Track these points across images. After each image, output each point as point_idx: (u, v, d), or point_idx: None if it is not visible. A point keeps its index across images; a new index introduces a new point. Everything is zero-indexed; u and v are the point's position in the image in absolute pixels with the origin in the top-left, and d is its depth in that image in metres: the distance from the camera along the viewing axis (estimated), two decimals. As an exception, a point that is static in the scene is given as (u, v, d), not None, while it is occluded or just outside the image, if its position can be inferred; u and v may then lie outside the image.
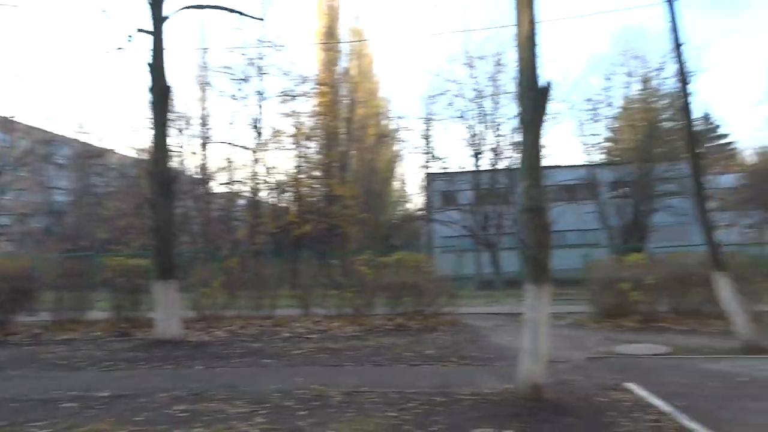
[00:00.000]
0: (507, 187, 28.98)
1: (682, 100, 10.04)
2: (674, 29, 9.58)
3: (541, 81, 5.45)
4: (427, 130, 31.93)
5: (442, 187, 32.96)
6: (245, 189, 28.45)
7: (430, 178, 35.31)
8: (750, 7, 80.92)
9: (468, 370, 8.00)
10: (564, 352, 9.49)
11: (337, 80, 33.23)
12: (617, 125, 32.13)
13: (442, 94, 29.19)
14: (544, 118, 5.54)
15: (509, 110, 28.90)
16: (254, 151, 27.43)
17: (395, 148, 40.21)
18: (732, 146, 51.15)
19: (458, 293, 16.04)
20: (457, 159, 44.90)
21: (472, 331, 12.44)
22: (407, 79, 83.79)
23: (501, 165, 29.42)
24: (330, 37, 33.64)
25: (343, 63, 35.28)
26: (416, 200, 44.20)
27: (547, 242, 5.45)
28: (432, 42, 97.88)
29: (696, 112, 32.53)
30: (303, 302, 13.57)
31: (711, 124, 45.33)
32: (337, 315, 13.22)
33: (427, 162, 34.18)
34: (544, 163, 5.64)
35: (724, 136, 50.54)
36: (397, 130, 36.28)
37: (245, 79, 26.61)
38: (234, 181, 28.36)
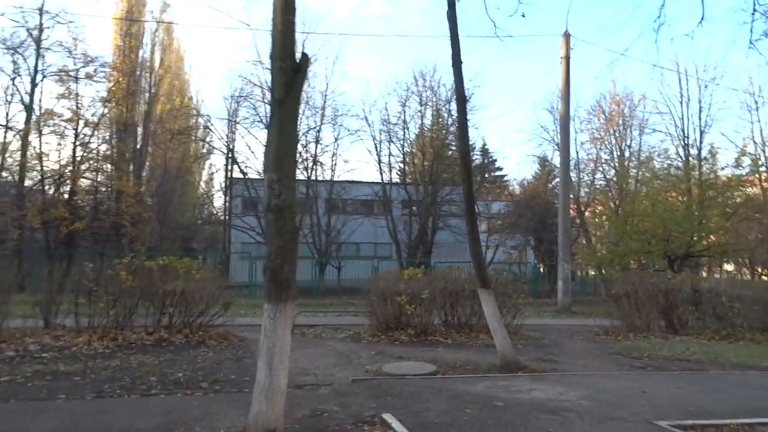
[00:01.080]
0: (306, 195, 27.96)
1: (459, 122, 9.70)
2: (454, 44, 9.16)
3: (298, 55, 4.31)
4: (231, 132, 29.88)
5: (242, 192, 30.98)
6: (8, 176, 23.76)
7: (232, 182, 33.14)
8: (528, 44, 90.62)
9: (212, 401, 6.47)
10: (331, 372, 8.45)
11: (136, 70, 29.72)
12: (411, 149, 33.00)
13: (243, 96, 27.39)
14: (298, 98, 4.39)
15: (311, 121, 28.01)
16: (23, 134, 23.04)
17: (198, 148, 37.18)
18: (504, 177, 56.29)
19: (236, 302, 14.47)
20: (259, 164, 42.49)
21: (243, 346, 10.92)
22: (219, 78, 79.39)
23: (300, 175, 28.34)
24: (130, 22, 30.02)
25: (146, 54, 31.80)
26: (218, 204, 41.46)
27: (292, 251, 4.24)
28: (242, 40, 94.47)
29: (474, 143, 35.22)
30: (44, 311, 10.90)
31: (488, 156, 49.12)
32: (88, 328, 10.81)
33: (229, 165, 32.01)
34: (292, 155, 4.46)
35: (499, 168, 55.30)
36: (199, 130, 33.49)
37: (17, 50, 22.29)
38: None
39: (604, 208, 23.27)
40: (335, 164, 30.32)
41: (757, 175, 23.87)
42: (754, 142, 26.48)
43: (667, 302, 14.15)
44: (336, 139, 29.95)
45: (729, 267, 32.66)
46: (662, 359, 10.64)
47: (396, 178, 32.44)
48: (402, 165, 32.26)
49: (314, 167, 29.01)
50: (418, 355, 10.21)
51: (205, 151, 35.57)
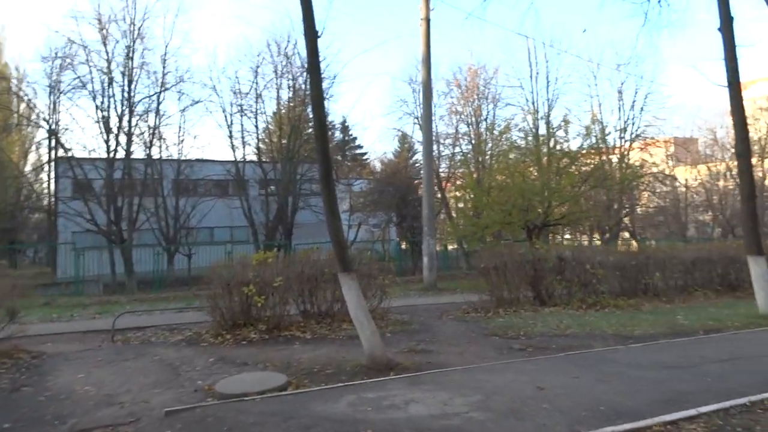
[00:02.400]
0: (145, 174, 24.38)
1: (314, 94, 7.75)
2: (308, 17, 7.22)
3: None
4: (53, 105, 25.16)
5: (70, 174, 26.35)
6: None
7: (57, 161, 28.19)
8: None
9: None
10: (146, 398, 6.18)
11: None
12: (266, 123, 30.37)
13: (62, 57, 22.98)
14: None
15: (148, 89, 24.30)
16: None
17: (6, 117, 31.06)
18: (364, 155, 55.36)
19: (56, 302, 11.43)
20: (90, 141, 36.41)
21: (34, 367, 8.16)
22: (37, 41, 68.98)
23: (139, 152, 24.67)
24: None
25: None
26: (43, 188, 35.63)
27: None
28: None
29: (333, 121, 33.50)
30: None
31: (348, 133, 47.70)
32: None
33: (52, 143, 27.20)
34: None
35: (359, 146, 54.16)
36: (6, 96, 27.81)
37: None
38: None
39: (467, 179, 22.63)
40: (182, 140, 26.82)
41: (604, 146, 24.66)
42: (593, 117, 27.42)
43: (535, 273, 13.41)
44: (182, 111, 26.46)
45: (567, 235, 34.14)
46: (539, 337, 9.63)
47: (252, 156, 29.64)
48: (257, 141, 29.44)
49: (158, 143, 25.36)
50: (269, 358, 8.23)
51: (16, 122, 29.96)
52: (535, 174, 21.01)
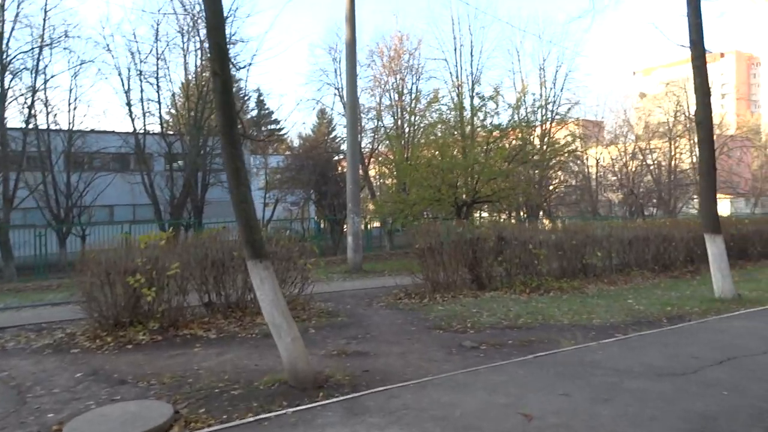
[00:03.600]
0: (24, 147, 20.91)
1: (209, 11, 5.65)
2: None
3: None
4: None
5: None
6: None
7: None
8: None
9: None
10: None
11: None
12: (172, 91, 27.19)
13: None
14: None
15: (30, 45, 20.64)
16: None
17: None
18: (281, 130, 52.48)
19: None
20: None
21: None
22: None
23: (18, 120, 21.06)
24: None
25: None
26: None
27: None
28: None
29: (248, 95, 30.72)
30: None
31: (264, 107, 44.70)
32: None
33: None
34: None
35: (276, 121, 51.16)
36: None
37: None
38: None
39: (395, 154, 21.00)
40: (75, 108, 23.29)
41: (535, 119, 23.85)
42: (523, 88, 26.59)
43: (474, 255, 12.00)
44: (73, 76, 22.93)
45: (484, 213, 33.48)
46: (489, 329, 8.16)
47: (155, 127, 26.38)
48: (159, 110, 26.17)
49: (46, 110, 21.78)
50: (159, 370, 6.21)
51: None
52: (464, 149, 19.72)
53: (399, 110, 26.48)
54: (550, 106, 28.39)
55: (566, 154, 28.45)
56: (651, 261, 14.63)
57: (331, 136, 33.42)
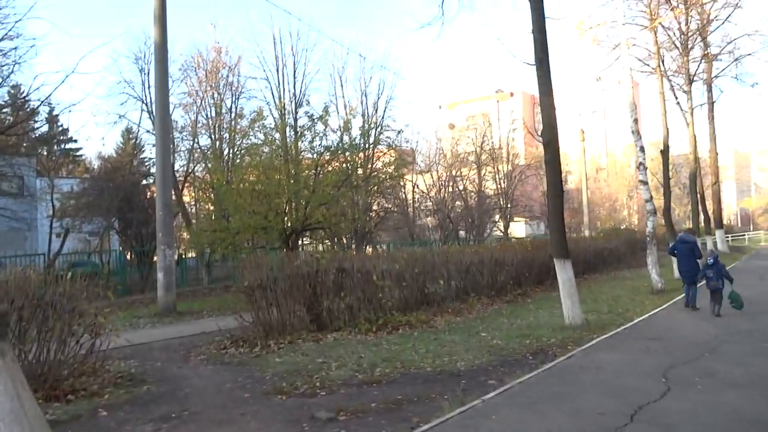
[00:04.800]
0: None
1: None
2: None
3: None
4: None
5: None
6: None
7: None
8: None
9: None
10: None
11: None
12: None
13: None
14: None
15: None
16: None
17: None
18: (79, 151, 45.82)
19: None
20: None
21: None
22: None
23: None
24: None
25: None
26: None
27: None
28: None
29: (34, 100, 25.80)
30: None
31: (57, 123, 38.42)
32: None
33: None
34: None
35: (73, 140, 44.44)
36: None
37: None
38: None
39: (213, 176, 18.47)
40: None
41: (364, 142, 23.01)
42: (350, 110, 25.74)
43: (312, 291, 10.34)
44: None
45: (306, 240, 32.05)
46: (344, 388, 6.56)
47: None
48: None
49: None
50: None
51: None
52: (292, 172, 18.08)
53: (217, 129, 23.93)
54: (373, 132, 27.92)
55: (388, 180, 28.31)
56: (486, 286, 14.31)
57: (139, 158, 29.39)
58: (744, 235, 61.46)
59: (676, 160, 52.05)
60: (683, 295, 12.15)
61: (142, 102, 24.44)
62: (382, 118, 28.96)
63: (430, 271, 12.67)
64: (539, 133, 9.36)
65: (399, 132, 24.97)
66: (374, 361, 7.66)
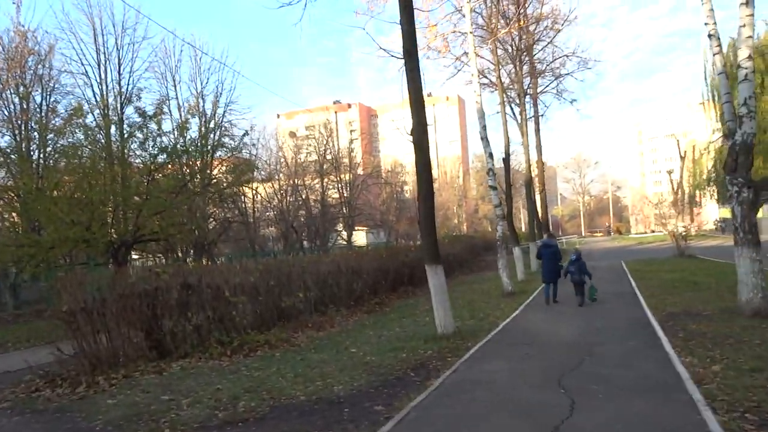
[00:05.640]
0: None
1: None
2: None
3: None
4: None
5: None
6: None
7: None
8: None
9: None
10: None
11: None
12: None
13: None
14: None
15: None
16: None
17: None
18: None
19: None
20: None
21: None
22: None
23: None
24: None
25: None
26: None
27: None
28: None
29: None
30: None
31: None
32: None
33: None
34: None
35: None
36: None
37: None
38: None
39: (22, 181, 15.29)
40: None
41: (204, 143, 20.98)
42: (189, 109, 23.39)
43: (152, 312, 8.74)
44: None
45: (134, 255, 28.87)
46: (201, 430, 5.32)
47: None
48: None
49: None
50: None
51: None
52: (120, 177, 15.79)
53: (24, 127, 20.21)
54: (212, 135, 25.77)
55: (228, 188, 26.38)
56: (345, 297, 13.60)
57: None
58: (561, 238, 68.91)
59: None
60: (533, 296, 12.63)
61: None
62: (221, 121, 26.94)
63: (286, 283, 11.62)
64: (409, 132, 8.87)
65: (244, 134, 23.21)
66: (235, 392, 6.46)
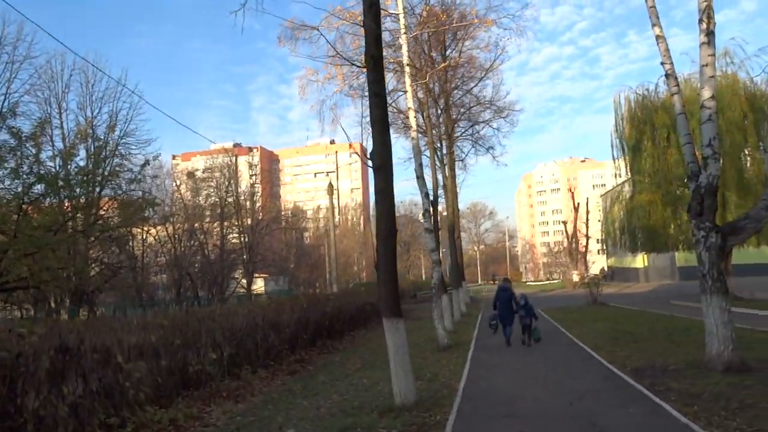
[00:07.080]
0: None
1: None
2: None
3: None
4: None
5: None
6: None
7: None
8: None
9: None
10: None
11: None
12: None
13: None
14: None
15: None
16: None
17: None
18: None
19: None
20: None
21: None
22: None
23: None
24: None
25: None
26: None
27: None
28: None
29: None
30: None
31: None
32: None
33: None
34: None
35: None
36: None
37: None
38: None
39: None
40: None
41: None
42: (53, 147, 20.01)
43: (10, 387, 6.27)
44: None
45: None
46: None
47: None
48: None
49: None
50: None
51: None
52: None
53: None
54: (103, 165, 22.49)
55: (118, 228, 23.13)
56: (262, 355, 11.45)
57: None
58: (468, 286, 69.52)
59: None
60: (472, 350, 12.42)
61: None
62: (115, 151, 23.76)
63: (195, 341, 9.39)
64: (368, 156, 7.34)
65: (145, 164, 20.43)
66: None
